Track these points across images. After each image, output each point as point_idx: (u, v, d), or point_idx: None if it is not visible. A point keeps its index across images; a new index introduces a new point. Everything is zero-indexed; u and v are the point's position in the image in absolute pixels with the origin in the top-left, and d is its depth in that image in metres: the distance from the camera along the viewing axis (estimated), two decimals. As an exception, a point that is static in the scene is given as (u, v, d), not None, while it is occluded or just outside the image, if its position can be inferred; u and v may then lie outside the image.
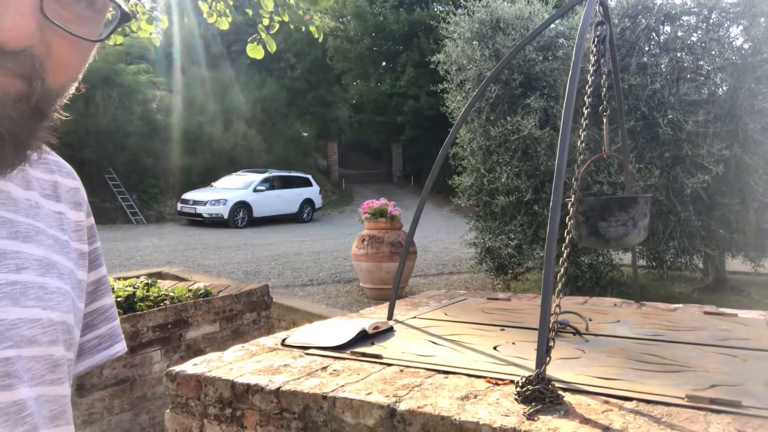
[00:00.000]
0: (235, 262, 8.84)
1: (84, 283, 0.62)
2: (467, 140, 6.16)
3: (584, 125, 1.77)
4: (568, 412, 1.31)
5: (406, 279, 6.66)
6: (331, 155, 25.36)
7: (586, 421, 1.26)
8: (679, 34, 5.37)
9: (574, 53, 1.78)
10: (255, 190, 15.79)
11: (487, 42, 5.92)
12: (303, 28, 4.46)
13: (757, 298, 5.78)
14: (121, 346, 0.71)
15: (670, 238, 5.26)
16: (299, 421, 1.49)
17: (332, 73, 24.88)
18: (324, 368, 1.69)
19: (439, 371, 1.64)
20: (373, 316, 2.47)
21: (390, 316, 2.39)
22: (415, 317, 2.41)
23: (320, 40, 4.73)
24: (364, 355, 1.80)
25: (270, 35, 4.19)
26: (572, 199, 1.83)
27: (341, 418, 1.43)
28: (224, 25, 4.53)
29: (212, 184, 16.46)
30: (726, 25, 5.33)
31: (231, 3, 4.61)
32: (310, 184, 17.39)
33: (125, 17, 0.53)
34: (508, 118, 5.68)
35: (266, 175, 16.61)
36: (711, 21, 5.35)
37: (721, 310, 2.58)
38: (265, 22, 4.22)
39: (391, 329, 2.16)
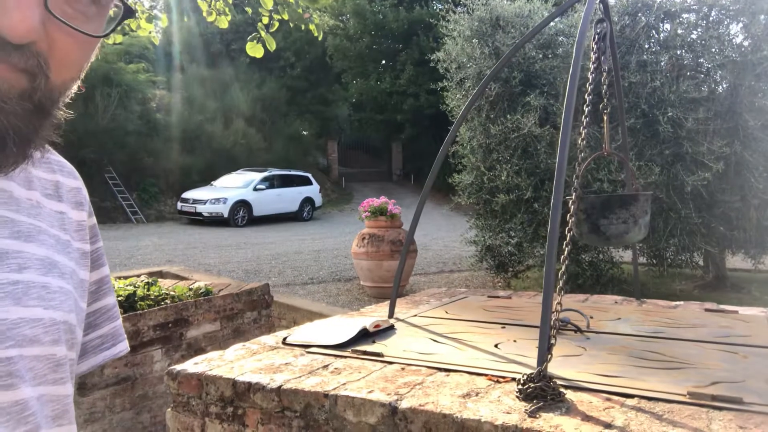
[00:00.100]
0: (235, 261, 8.84)
1: (86, 282, 0.62)
2: (467, 138, 6.15)
3: (584, 123, 1.77)
4: (570, 410, 1.31)
5: (406, 277, 6.66)
6: (330, 154, 25.36)
7: (587, 418, 1.26)
8: (679, 31, 5.37)
9: (574, 51, 1.78)
10: (255, 189, 15.78)
11: (487, 40, 5.91)
12: (302, 27, 4.46)
13: (758, 295, 5.79)
14: (123, 346, 0.71)
15: (670, 236, 5.26)
16: (301, 419, 1.49)
17: (332, 72, 24.86)
18: (325, 366, 1.69)
19: (440, 369, 1.64)
20: (374, 314, 2.47)
21: (391, 315, 2.39)
22: (415, 315, 2.41)
23: (320, 38, 4.72)
24: (365, 353, 1.80)
25: (269, 34, 4.19)
26: (573, 196, 1.83)
27: (343, 417, 1.43)
28: (224, 23, 4.53)
29: (212, 183, 16.44)
30: (726, 22, 5.33)
31: (230, 1, 4.61)
32: (310, 183, 17.38)
33: (129, 13, 0.53)
34: (508, 116, 5.68)
35: (266, 173, 16.59)
36: (711, 18, 5.35)
37: (722, 307, 2.58)
38: (265, 20, 4.22)
39: (392, 327, 2.16)
